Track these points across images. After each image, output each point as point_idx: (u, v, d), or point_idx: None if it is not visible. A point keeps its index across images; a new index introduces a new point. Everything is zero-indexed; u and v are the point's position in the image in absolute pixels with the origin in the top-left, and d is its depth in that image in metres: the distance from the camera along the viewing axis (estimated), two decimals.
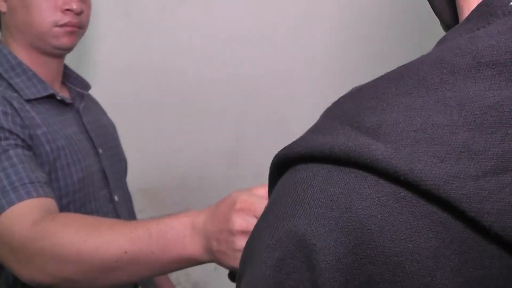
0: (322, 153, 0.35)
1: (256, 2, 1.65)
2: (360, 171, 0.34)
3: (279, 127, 1.69)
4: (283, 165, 0.39)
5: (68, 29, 1.12)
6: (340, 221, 0.33)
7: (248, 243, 0.40)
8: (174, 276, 1.70)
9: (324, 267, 0.33)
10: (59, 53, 1.16)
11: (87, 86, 1.28)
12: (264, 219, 0.38)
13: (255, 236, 0.39)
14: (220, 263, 0.77)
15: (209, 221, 0.79)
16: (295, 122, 1.65)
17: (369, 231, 0.32)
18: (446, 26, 0.49)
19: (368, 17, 1.62)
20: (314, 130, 0.37)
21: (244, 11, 1.66)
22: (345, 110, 0.36)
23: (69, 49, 1.16)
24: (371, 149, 0.33)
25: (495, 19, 0.36)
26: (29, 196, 0.92)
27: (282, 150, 0.38)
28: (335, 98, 0.40)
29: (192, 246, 0.79)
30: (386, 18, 1.61)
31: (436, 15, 0.48)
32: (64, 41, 1.13)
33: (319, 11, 1.64)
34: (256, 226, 0.39)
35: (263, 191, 0.78)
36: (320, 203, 0.34)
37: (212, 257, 0.78)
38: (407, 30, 1.59)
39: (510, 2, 0.36)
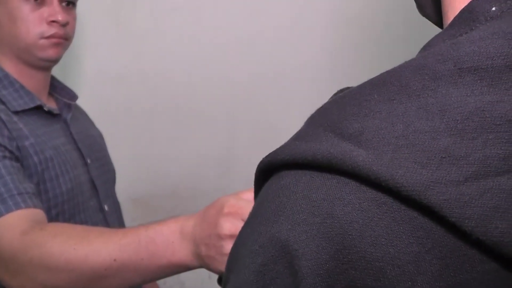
0: (305, 159, 0.35)
1: (246, 7, 1.65)
2: (342, 177, 0.34)
3: (271, 134, 1.67)
4: (268, 171, 0.39)
5: (54, 40, 1.13)
6: (322, 227, 0.33)
7: (232, 249, 0.40)
8: (167, 285, 1.69)
9: (306, 272, 0.33)
10: (46, 65, 1.17)
11: (74, 97, 1.28)
12: (248, 225, 0.38)
13: (239, 242, 0.39)
14: (210, 268, 0.77)
15: (198, 226, 0.79)
16: (287, 129, 1.62)
17: (350, 236, 0.32)
18: (428, 18, 0.49)
19: (360, 22, 1.62)
20: (298, 137, 0.38)
21: (234, 17, 1.65)
22: (329, 117, 0.37)
23: (55, 61, 1.17)
24: (353, 156, 0.33)
25: (478, 24, 0.36)
26: (18, 207, 0.92)
27: (266, 156, 0.38)
28: None
29: (181, 252, 0.79)
30: (378, 23, 1.61)
31: (418, 7, 0.49)
32: (50, 52, 1.13)
33: (310, 17, 1.64)
34: (241, 232, 0.39)
35: (251, 195, 0.78)
36: (302, 209, 0.34)
37: (201, 262, 0.78)
38: (400, 35, 1.59)
39: (492, 8, 0.36)
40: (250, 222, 0.38)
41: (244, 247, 0.37)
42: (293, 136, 0.38)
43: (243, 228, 0.39)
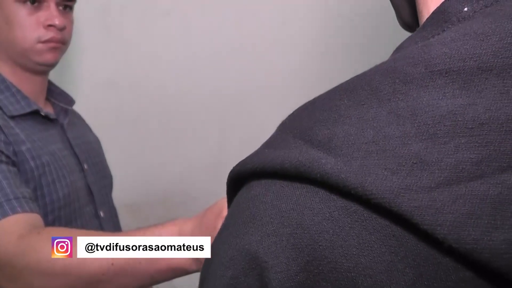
0: (273, 168, 0.34)
1: (236, 13, 1.63)
2: (311, 186, 0.33)
3: (262, 140, 1.66)
4: (239, 181, 0.38)
5: (51, 45, 1.12)
6: (292, 238, 0.32)
7: (205, 261, 0.39)
8: None
9: (276, 285, 0.32)
10: (43, 70, 1.16)
11: (71, 102, 1.28)
12: (220, 237, 0.38)
13: (211, 254, 0.38)
14: None
15: (196, 229, 0.79)
16: None
17: (320, 247, 0.31)
18: (404, 23, 0.48)
19: (347, 28, 1.60)
20: (267, 144, 0.37)
21: (224, 22, 1.63)
22: (298, 123, 0.36)
23: (52, 65, 1.16)
24: (321, 163, 0.32)
25: (450, 25, 0.35)
26: (14, 211, 0.92)
27: (236, 166, 0.38)
28: None
29: None
30: (365, 29, 1.59)
31: (394, 9, 0.48)
32: (48, 57, 1.12)
33: (301, 22, 1.61)
34: (213, 244, 0.38)
35: None
36: (271, 219, 0.33)
37: (200, 266, 0.78)
38: (387, 41, 1.57)
39: (464, 8, 0.35)
40: (222, 234, 0.37)
41: (216, 259, 0.36)
42: (264, 143, 0.38)
43: (215, 239, 0.38)
